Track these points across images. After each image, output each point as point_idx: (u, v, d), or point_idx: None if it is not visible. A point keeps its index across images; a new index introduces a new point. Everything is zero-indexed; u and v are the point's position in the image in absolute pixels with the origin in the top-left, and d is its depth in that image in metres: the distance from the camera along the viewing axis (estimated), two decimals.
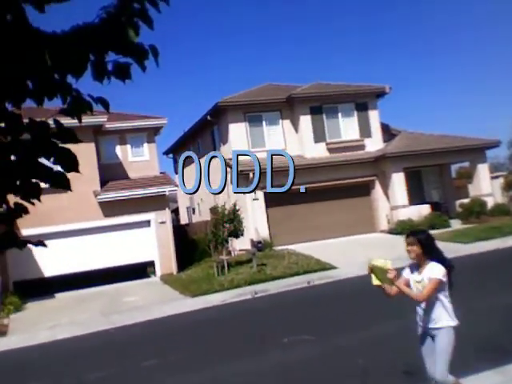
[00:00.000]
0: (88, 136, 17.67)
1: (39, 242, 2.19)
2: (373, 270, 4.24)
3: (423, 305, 4.36)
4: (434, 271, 4.19)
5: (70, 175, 2.03)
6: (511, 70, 65.83)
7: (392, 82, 79.70)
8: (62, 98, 1.93)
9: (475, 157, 22.45)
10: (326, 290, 12.68)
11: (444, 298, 4.28)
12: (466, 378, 5.20)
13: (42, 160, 1.96)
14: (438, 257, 4.27)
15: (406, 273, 4.49)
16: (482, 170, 22.47)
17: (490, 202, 21.65)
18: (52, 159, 1.95)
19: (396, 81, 78.77)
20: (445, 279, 4.22)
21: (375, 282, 4.25)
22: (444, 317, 4.28)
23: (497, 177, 24.03)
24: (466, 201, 21.75)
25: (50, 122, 1.99)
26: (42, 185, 2.00)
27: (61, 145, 1.96)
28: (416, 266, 4.39)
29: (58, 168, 1.95)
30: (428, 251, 4.26)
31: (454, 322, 4.31)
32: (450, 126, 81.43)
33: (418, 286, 4.33)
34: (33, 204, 2.02)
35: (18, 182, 1.94)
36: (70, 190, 2.05)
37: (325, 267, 15.21)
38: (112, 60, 1.93)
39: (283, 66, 70.50)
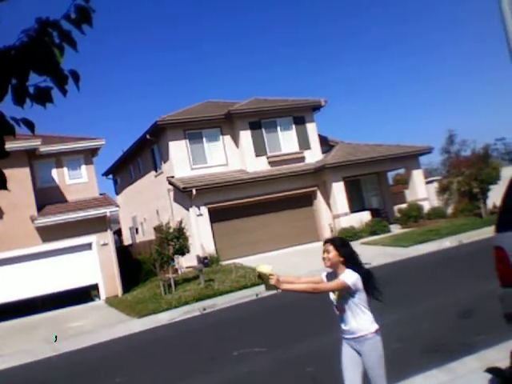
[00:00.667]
0: (22, 161, 17.12)
1: None
2: (260, 276, 4.00)
3: (341, 314, 4.10)
4: (345, 275, 3.93)
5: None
6: (445, 74, 69.50)
7: (327, 93, 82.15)
8: None
9: (410, 163, 23.46)
10: (275, 302, 12.74)
11: (361, 305, 4.01)
12: (413, 378, 5.41)
13: None
14: (355, 264, 4.02)
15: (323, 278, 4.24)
16: (417, 176, 23.49)
17: (427, 206, 22.64)
18: None
19: (332, 92, 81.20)
20: (357, 286, 3.94)
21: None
22: (364, 324, 4.02)
23: (431, 181, 25.18)
24: (403, 206, 22.66)
25: None
26: None
27: None
28: (333, 275, 4.11)
29: None
30: (345, 258, 4.02)
31: (375, 326, 4.04)
32: (386, 135, 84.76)
33: (333, 295, 4.13)
34: None
35: None
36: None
37: None
38: (33, 84, 1.91)
39: (221, 80, 71.03)
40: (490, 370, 4.57)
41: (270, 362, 7.29)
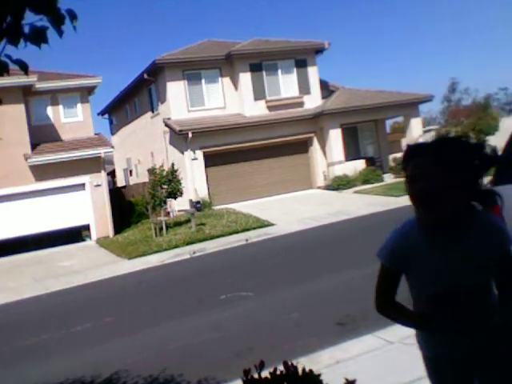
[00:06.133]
0: (17, 97, 16.92)
1: None
2: None
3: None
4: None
5: None
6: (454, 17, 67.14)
7: (331, 37, 79.78)
8: None
9: (409, 111, 23.12)
10: (264, 247, 12.93)
11: None
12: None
13: None
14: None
15: None
16: (415, 124, 23.20)
17: None
18: None
19: (335, 36, 78.81)
20: None
21: None
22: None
23: (429, 130, 24.98)
24: (398, 155, 22.52)
25: None
26: None
27: None
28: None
29: None
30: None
31: None
32: (388, 83, 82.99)
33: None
34: None
35: None
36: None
37: (263, 224, 15.50)
38: (28, 23, 1.86)
39: (222, 19, 68.73)
40: None
41: (256, 307, 7.42)
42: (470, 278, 1.92)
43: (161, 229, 15.82)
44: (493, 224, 1.93)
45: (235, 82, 22.20)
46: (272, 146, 21.48)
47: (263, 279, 9.14)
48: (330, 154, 21.80)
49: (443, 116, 32.18)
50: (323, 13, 70.18)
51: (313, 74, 23.12)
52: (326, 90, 23.97)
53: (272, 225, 15.39)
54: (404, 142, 23.55)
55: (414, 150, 1.92)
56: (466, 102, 28.56)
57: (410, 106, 23.01)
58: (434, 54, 72.20)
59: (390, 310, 2.07)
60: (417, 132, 23.09)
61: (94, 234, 18.10)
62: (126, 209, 19.82)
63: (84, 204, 18.04)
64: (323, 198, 19.20)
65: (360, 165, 21.67)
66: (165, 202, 16.97)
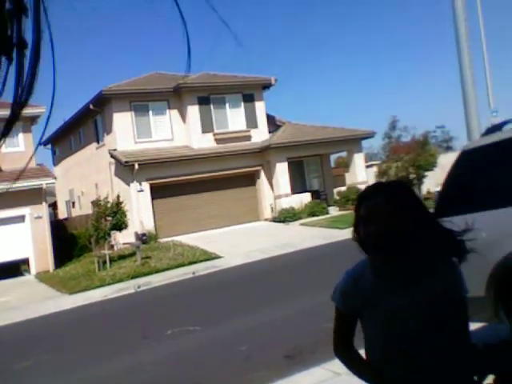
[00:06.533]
0: None
1: None
2: None
3: None
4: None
5: None
6: (393, 62, 70.85)
7: (278, 73, 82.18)
8: None
9: (352, 147, 23.91)
10: (212, 280, 12.85)
11: None
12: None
13: None
14: None
15: None
16: (358, 160, 24.01)
17: None
18: None
19: (283, 72, 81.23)
20: None
21: None
22: None
23: (371, 165, 25.92)
24: (343, 189, 23.20)
25: None
26: None
27: None
28: None
29: None
30: None
31: None
32: (332, 119, 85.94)
33: None
34: None
35: None
36: None
37: (210, 257, 15.43)
38: None
39: (170, 53, 69.18)
40: None
41: (204, 341, 7.29)
42: (431, 324, 1.73)
43: (104, 262, 15.39)
44: (452, 268, 1.81)
45: (183, 115, 22.30)
46: (220, 178, 21.56)
47: (211, 312, 9.04)
48: (277, 187, 22.12)
49: (384, 151, 33.59)
50: (271, 50, 72.31)
51: (260, 108, 23.61)
52: (273, 124, 24.50)
53: (219, 257, 15.34)
54: (347, 177, 24.32)
55: (366, 191, 1.87)
56: (405, 138, 30.05)
57: (353, 142, 23.82)
58: (376, 92, 75.70)
59: (344, 355, 1.94)
60: (360, 167, 23.90)
61: (34, 268, 17.40)
62: (68, 242, 19.21)
63: (23, 237, 17.37)
64: (270, 230, 19.37)
65: (306, 198, 22.08)
66: (109, 235, 16.59)
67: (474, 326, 4.59)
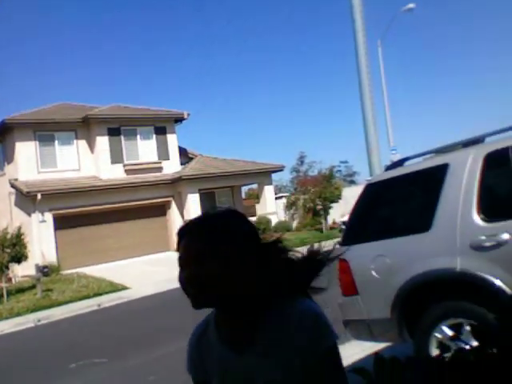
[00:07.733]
0: None
1: None
2: None
3: None
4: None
5: None
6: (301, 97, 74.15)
7: (195, 108, 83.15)
8: None
9: (263, 179, 24.66)
10: (118, 311, 12.52)
11: None
12: None
13: None
14: None
15: None
16: (268, 192, 24.75)
17: (275, 220, 23.96)
18: None
19: (195, 107, 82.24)
20: None
21: None
22: None
23: (280, 197, 26.90)
24: (253, 219, 23.67)
25: None
26: None
27: None
28: None
29: None
30: None
31: None
32: (245, 152, 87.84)
33: None
34: None
35: None
36: None
37: (117, 288, 15.04)
38: None
39: (80, 86, 67.65)
40: (357, 371, 4.70)
41: (111, 373, 7.02)
42: None
43: (1, 296, 14.46)
44: (305, 315, 1.36)
45: (91, 145, 21.88)
46: (130, 208, 21.23)
47: (118, 344, 8.76)
48: (188, 218, 22.07)
49: (293, 184, 34.92)
50: (185, 85, 73.05)
51: (172, 140, 23.76)
52: (186, 156, 24.72)
53: (127, 288, 14.99)
54: (258, 208, 24.93)
55: (181, 230, 1.44)
56: (312, 172, 31.57)
57: (263, 175, 24.57)
58: (286, 128, 78.61)
59: None
60: (269, 198, 24.64)
61: None
62: None
63: None
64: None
65: None
66: (7, 267, 15.64)
67: (380, 346, 4.92)
